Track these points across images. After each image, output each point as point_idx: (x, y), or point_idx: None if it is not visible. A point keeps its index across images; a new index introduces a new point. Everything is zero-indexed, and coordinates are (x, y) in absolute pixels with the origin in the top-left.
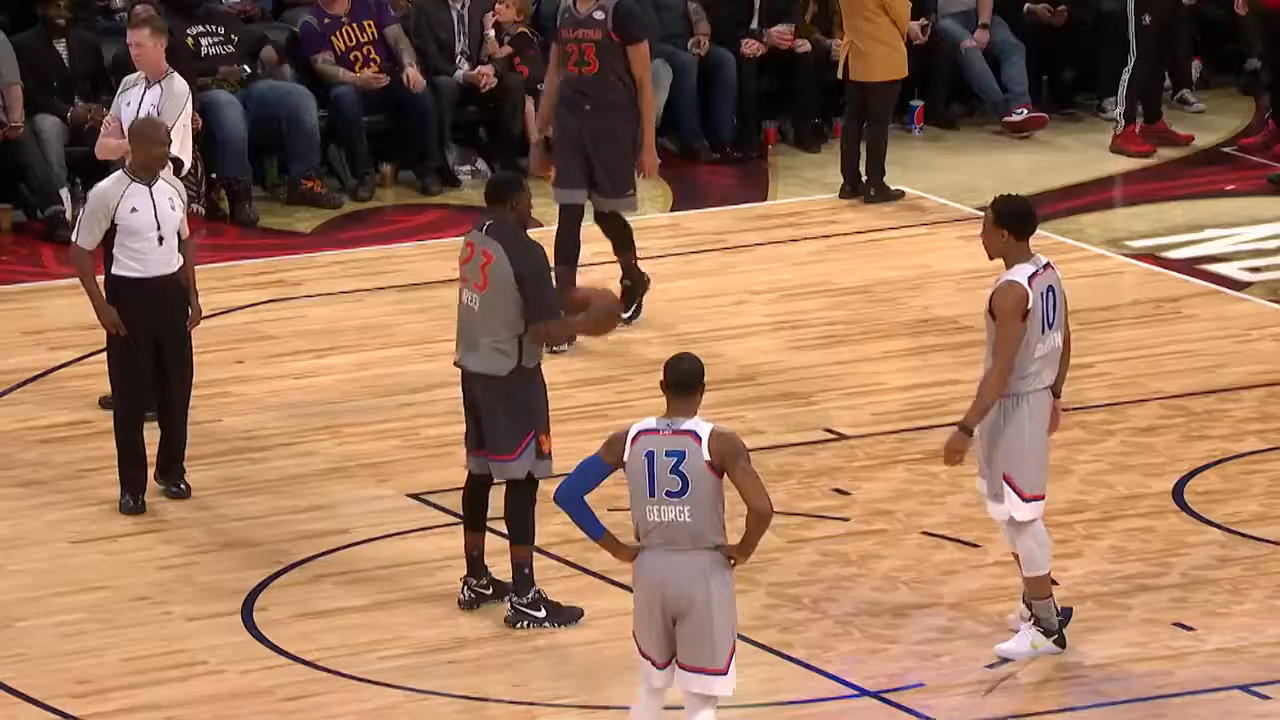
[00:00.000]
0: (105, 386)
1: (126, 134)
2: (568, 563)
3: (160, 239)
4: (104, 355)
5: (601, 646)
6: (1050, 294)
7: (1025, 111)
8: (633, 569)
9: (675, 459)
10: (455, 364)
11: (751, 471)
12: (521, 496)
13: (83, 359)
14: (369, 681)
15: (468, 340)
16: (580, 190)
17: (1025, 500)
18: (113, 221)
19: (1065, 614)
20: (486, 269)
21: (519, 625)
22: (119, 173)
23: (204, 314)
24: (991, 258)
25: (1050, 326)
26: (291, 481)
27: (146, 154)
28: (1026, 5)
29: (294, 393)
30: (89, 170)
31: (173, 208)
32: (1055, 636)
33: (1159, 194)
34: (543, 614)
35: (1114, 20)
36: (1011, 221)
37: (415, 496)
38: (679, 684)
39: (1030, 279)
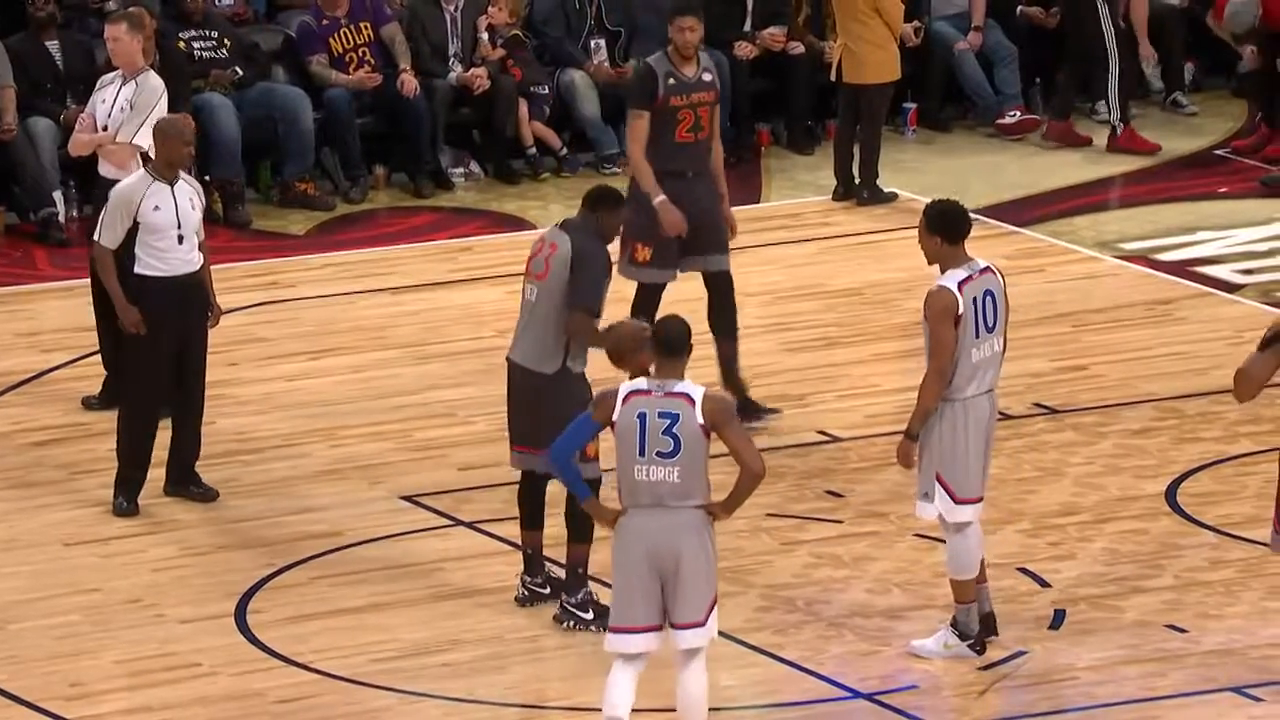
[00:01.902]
0: (97, 388)
1: (156, 134)
2: (559, 564)
3: (180, 238)
4: (97, 358)
5: (593, 649)
6: (988, 298)
7: (1018, 114)
8: (614, 533)
9: (669, 421)
10: (506, 358)
11: (744, 432)
12: None
13: (76, 361)
14: (362, 684)
15: (520, 334)
16: (674, 269)
17: (958, 503)
18: (135, 220)
19: (1058, 616)
20: (550, 258)
21: (566, 624)
22: (141, 171)
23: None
24: (930, 263)
25: (989, 330)
26: (285, 483)
27: (171, 152)
28: (1019, 8)
29: (287, 395)
30: (82, 172)
31: (193, 207)
32: (971, 641)
33: (1152, 196)
34: (590, 615)
35: (1081, 21)
36: (942, 226)
37: (408, 498)
38: (673, 644)
39: (961, 284)
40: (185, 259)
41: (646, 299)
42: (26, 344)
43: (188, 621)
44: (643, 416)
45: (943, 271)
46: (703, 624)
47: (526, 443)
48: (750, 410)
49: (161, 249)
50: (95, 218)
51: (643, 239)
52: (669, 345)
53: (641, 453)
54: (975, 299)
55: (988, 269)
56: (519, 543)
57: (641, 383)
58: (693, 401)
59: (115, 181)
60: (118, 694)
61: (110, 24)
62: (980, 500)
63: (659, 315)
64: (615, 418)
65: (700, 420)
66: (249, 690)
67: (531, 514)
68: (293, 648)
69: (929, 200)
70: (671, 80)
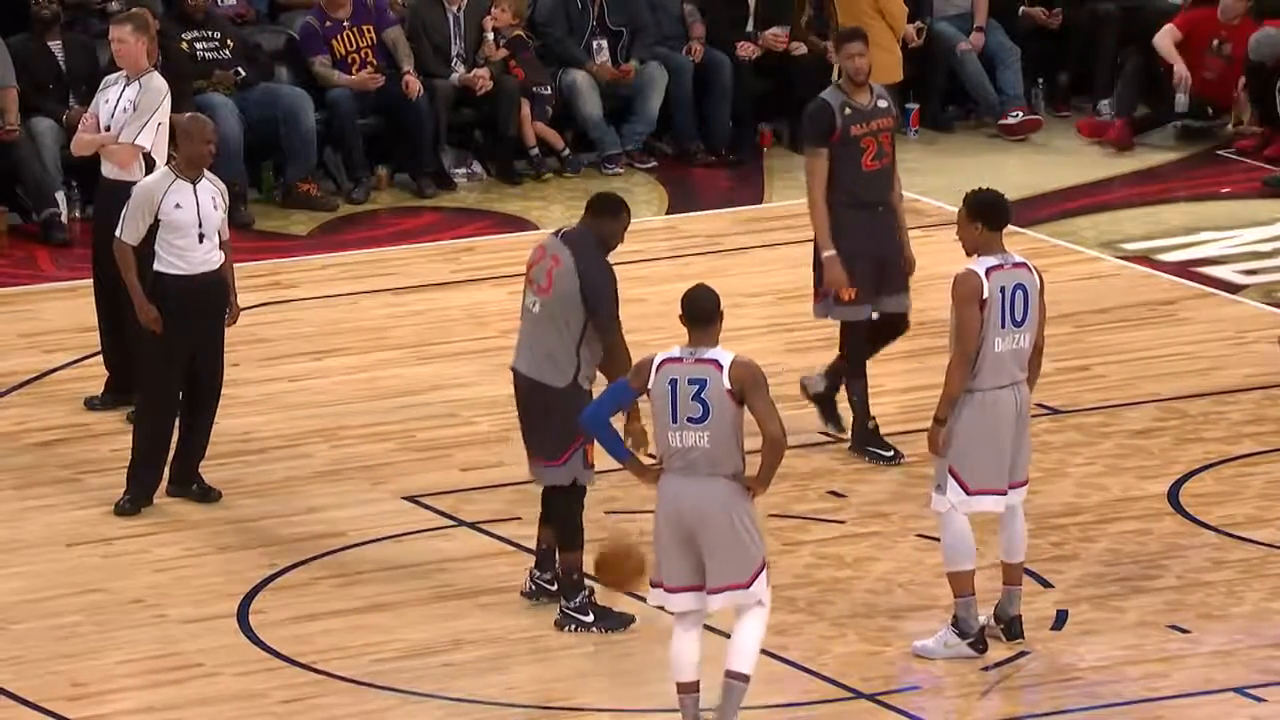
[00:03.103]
0: (99, 389)
1: (178, 133)
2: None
3: (201, 236)
4: (99, 358)
5: (594, 650)
6: (1020, 291)
7: (1020, 114)
8: (656, 494)
9: (697, 386)
10: (511, 368)
11: (768, 401)
12: (569, 502)
13: (78, 362)
14: (364, 684)
15: (525, 344)
16: (871, 305)
17: (971, 494)
18: (156, 217)
19: (1061, 617)
20: (553, 273)
21: (567, 629)
22: (164, 168)
23: None
24: (968, 253)
25: (1017, 324)
26: (287, 484)
27: (193, 151)
28: (1022, 8)
29: (290, 395)
30: (84, 173)
31: (215, 207)
32: (971, 639)
33: (1154, 197)
34: (590, 618)
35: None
36: (982, 213)
37: (410, 499)
38: (713, 607)
39: (989, 271)
40: (205, 258)
41: (853, 334)
42: (28, 344)
43: (190, 622)
44: (674, 383)
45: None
46: (745, 586)
47: (540, 455)
48: (874, 440)
49: (182, 247)
50: (95, 218)
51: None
52: (697, 314)
53: (674, 419)
54: (1004, 288)
55: (1023, 264)
56: (520, 543)
57: (675, 350)
58: (720, 367)
59: (117, 182)
60: (120, 694)
61: (115, 25)
62: (1002, 492)
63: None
64: (650, 385)
65: (728, 385)
66: (251, 691)
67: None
68: (295, 648)
69: (969, 191)
70: (848, 110)
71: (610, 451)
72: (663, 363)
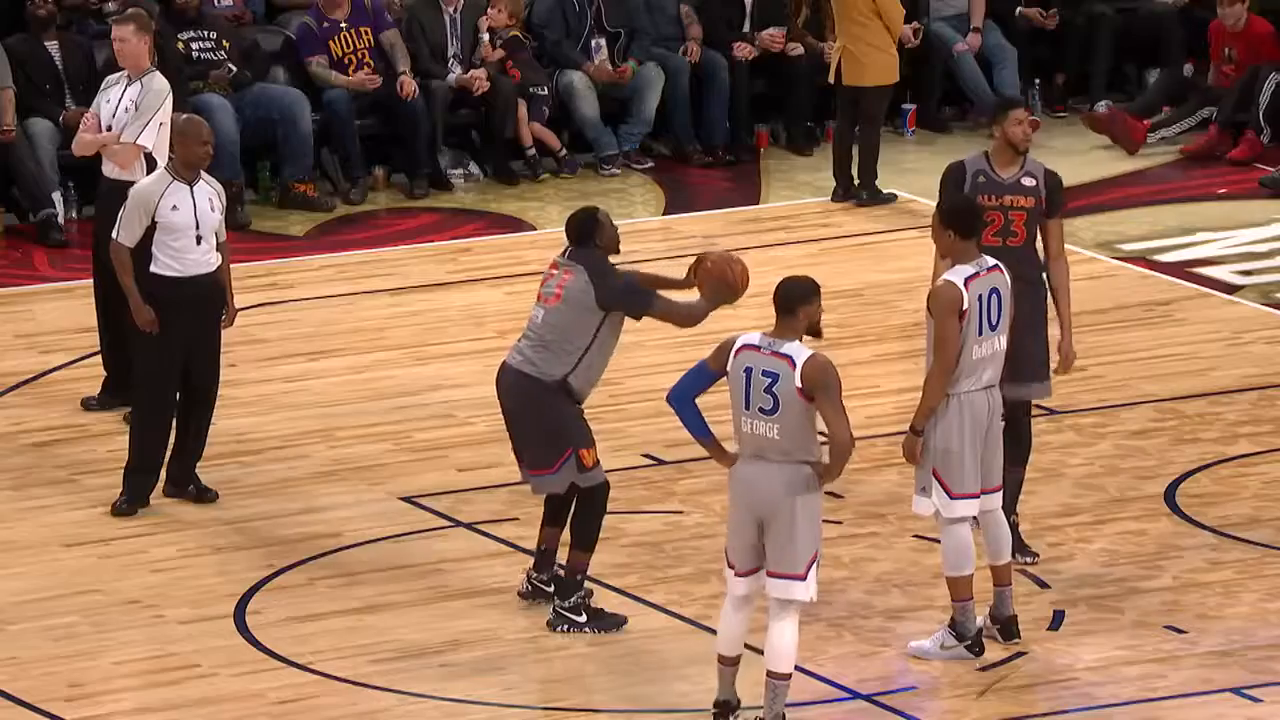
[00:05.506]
0: (96, 389)
1: (174, 135)
2: (563, 567)
3: (198, 238)
4: (96, 359)
5: (593, 650)
6: (994, 296)
7: None
8: (728, 477)
9: (770, 379)
10: (501, 364)
11: (837, 404)
12: (592, 503)
13: (75, 362)
14: (361, 685)
15: (520, 345)
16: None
17: (953, 498)
18: (153, 219)
19: (1057, 618)
20: (565, 284)
21: (559, 628)
22: (160, 170)
23: None
24: (942, 257)
25: (992, 329)
26: (284, 485)
27: (189, 153)
28: (1018, 9)
29: (287, 396)
30: (81, 174)
31: (212, 208)
32: (969, 642)
33: (1151, 197)
34: (583, 619)
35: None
36: (954, 221)
37: (407, 499)
38: (766, 590)
39: (968, 280)
40: (202, 260)
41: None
42: (25, 345)
43: (187, 622)
44: (749, 371)
45: (951, 266)
46: (801, 578)
47: (532, 465)
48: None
49: (178, 249)
50: (95, 219)
51: None
52: (779, 302)
53: (746, 406)
54: (981, 296)
55: (996, 267)
56: (518, 544)
57: (755, 337)
58: (794, 364)
59: (118, 182)
60: (117, 695)
61: (118, 25)
62: (977, 496)
63: None
64: (728, 368)
65: (798, 383)
66: (248, 691)
67: (555, 511)
68: (292, 649)
69: (935, 200)
70: (982, 178)
71: (691, 430)
72: (741, 348)
